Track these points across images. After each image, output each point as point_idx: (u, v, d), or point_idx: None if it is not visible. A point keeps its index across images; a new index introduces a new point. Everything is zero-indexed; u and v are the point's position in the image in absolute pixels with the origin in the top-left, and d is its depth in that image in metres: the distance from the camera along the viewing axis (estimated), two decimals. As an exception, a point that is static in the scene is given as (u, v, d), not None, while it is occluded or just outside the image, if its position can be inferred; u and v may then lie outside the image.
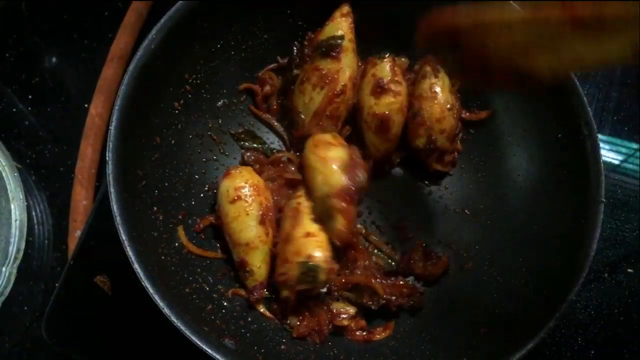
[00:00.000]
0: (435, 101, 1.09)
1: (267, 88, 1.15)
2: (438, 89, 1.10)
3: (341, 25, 1.09)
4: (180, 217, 1.03)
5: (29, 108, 1.29)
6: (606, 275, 1.21)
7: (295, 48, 1.16)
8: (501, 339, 0.94)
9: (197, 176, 1.09)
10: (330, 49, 1.07)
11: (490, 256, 1.08)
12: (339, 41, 1.07)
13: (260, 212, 1.02)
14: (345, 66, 1.08)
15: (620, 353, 1.15)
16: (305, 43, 1.14)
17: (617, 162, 1.32)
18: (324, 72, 1.07)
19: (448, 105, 1.10)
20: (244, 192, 1.01)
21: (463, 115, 1.16)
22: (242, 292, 1.03)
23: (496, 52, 0.83)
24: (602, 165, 0.97)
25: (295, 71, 1.14)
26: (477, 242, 1.11)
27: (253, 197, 1.02)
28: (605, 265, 1.22)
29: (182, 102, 1.05)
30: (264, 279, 1.03)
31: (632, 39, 0.68)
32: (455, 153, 1.17)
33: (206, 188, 1.10)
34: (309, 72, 1.09)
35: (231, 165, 1.08)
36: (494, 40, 0.81)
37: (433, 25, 0.85)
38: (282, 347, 0.98)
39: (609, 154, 1.32)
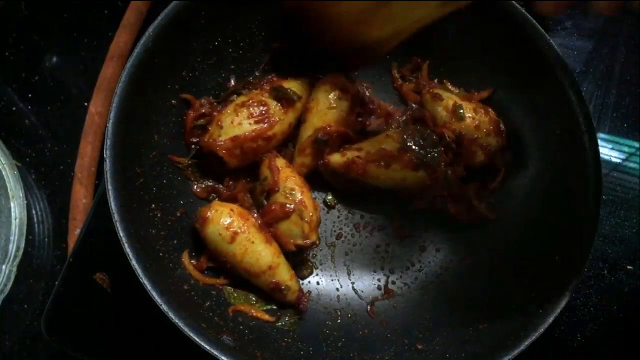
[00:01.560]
0: (459, 116, 1.09)
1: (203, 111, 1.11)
2: (451, 105, 1.10)
3: (317, 93, 1.11)
4: (178, 214, 1.04)
5: (29, 107, 1.29)
6: (606, 272, 1.20)
7: (256, 72, 1.15)
8: (499, 335, 0.94)
9: (195, 173, 1.10)
10: (284, 99, 1.07)
11: (488, 253, 1.09)
12: (295, 98, 1.07)
13: (261, 232, 1.01)
14: (286, 121, 1.08)
15: (620, 350, 1.15)
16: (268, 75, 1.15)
17: (616, 160, 1.32)
18: (268, 110, 1.05)
19: (471, 114, 1.09)
20: (236, 225, 0.99)
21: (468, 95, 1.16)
22: (268, 317, 1.02)
23: (336, 24, 0.96)
24: (600, 159, 0.97)
25: (243, 91, 1.12)
26: (476, 237, 1.12)
27: (246, 224, 1.00)
28: (605, 262, 1.21)
29: (179, 99, 1.05)
30: (298, 284, 1.04)
31: None
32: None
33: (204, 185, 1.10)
34: (254, 99, 1.06)
35: (199, 208, 1.02)
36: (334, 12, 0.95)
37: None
38: (280, 343, 0.98)
39: (608, 152, 1.32)
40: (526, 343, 0.88)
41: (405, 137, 1.05)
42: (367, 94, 1.19)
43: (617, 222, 1.26)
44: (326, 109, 1.09)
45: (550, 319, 0.89)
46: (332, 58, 1.07)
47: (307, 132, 1.10)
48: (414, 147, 1.04)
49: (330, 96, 1.09)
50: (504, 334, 0.93)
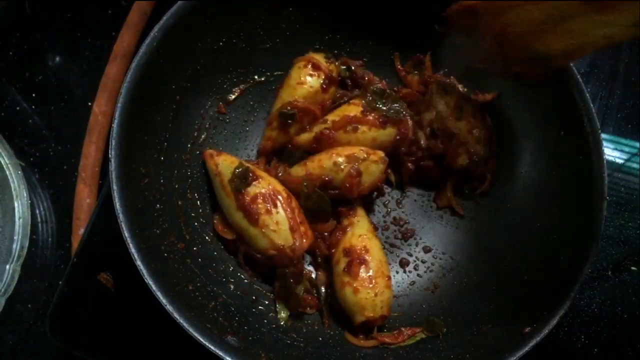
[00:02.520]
0: (458, 116, 1.10)
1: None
2: (454, 102, 1.11)
3: (291, 69, 1.13)
4: (183, 214, 1.04)
5: (33, 106, 1.29)
6: (610, 273, 1.20)
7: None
8: (502, 336, 0.94)
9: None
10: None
11: (492, 253, 1.08)
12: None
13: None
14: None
15: (624, 351, 1.15)
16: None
17: (620, 161, 1.31)
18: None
19: (469, 117, 1.10)
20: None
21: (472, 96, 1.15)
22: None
23: (513, 35, 0.90)
24: (605, 160, 0.97)
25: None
26: (479, 238, 1.12)
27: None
28: (608, 263, 1.21)
29: (184, 99, 1.05)
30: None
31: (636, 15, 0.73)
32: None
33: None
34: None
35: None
36: (512, 23, 0.88)
37: (460, 8, 0.94)
38: (285, 343, 0.98)
39: (612, 153, 1.32)
40: (531, 344, 0.88)
41: (365, 101, 1.08)
42: (360, 69, 1.19)
43: (621, 223, 1.25)
44: (296, 84, 1.10)
45: (555, 321, 0.89)
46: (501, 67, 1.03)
47: (276, 105, 1.12)
48: (376, 106, 1.08)
49: (302, 72, 1.11)
50: (508, 335, 0.93)
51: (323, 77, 1.11)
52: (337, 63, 1.16)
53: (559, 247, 0.98)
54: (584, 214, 0.96)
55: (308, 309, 1.05)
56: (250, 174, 1.01)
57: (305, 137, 1.10)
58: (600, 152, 0.97)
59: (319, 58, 1.12)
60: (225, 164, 1.05)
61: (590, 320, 1.17)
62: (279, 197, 1.01)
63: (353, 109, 1.09)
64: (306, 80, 1.10)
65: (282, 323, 1.02)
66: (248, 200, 0.99)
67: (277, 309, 1.04)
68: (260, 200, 0.99)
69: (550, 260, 0.98)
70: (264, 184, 1.01)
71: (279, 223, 0.99)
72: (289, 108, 1.09)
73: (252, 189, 1.00)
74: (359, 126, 1.07)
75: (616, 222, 1.25)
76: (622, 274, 1.21)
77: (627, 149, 1.32)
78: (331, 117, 1.10)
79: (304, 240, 1.00)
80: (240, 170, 1.01)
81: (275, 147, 1.14)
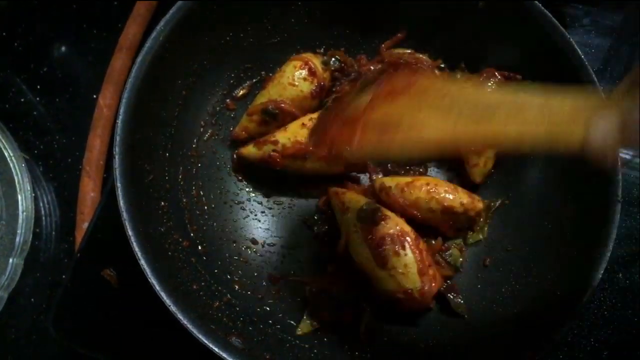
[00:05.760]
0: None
1: None
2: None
3: (286, 66, 1.10)
4: (188, 212, 1.03)
5: (38, 98, 1.28)
6: (620, 275, 1.19)
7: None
8: (513, 340, 0.93)
9: (205, 169, 1.09)
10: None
11: (506, 256, 1.07)
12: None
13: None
14: None
15: (635, 355, 1.14)
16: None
17: (632, 158, 1.29)
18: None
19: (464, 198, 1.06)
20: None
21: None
22: None
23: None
24: (619, 162, 0.95)
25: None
26: (494, 240, 1.10)
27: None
28: (619, 265, 1.20)
29: (190, 94, 1.04)
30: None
31: None
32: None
33: (216, 182, 1.10)
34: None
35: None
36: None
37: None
38: (290, 345, 0.97)
39: (624, 152, 1.30)
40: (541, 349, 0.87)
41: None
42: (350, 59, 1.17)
43: (632, 224, 1.24)
44: (287, 83, 1.08)
45: (566, 325, 0.88)
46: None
47: (261, 98, 1.10)
48: None
49: (296, 73, 1.08)
50: (517, 339, 0.92)
51: (316, 84, 1.08)
52: (328, 62, 1.13)
53: (572, 249, 0.96)
54: (597, 217, 0.94)
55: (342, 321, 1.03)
56: (379, 213, 0.99)
57: (252, 152, 1.07)
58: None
59: (317, 63, 1.09)
60: (353, 201, 1.03)
61: (600, 323, 1.16)
62: (407, 238, 0.98)
63: (305, 134, 1.04)
64: (299, 83, 1.08)
65: (299, 333, 1.01)
66: (376, 240, 0.97)
67: (302, 324, 1.02)
68: (388, 241, 0.96)
69: (562, 262, 0.97)
70: (392, 225, 0.98)
71: (408, 266, 0.96)
72: (272, 107, 1.07)
73: (381, 229, 0.98)
74: (307, 157, 1.04)
75: (627, 222, 1.24)
76: (633, 275, 1.19)
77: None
78: (283, 139, 1.05)
79: (433, 284, 0.97)
80: (368, 208, 0.99)
81: (247, 138, 1.11)
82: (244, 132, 1.11)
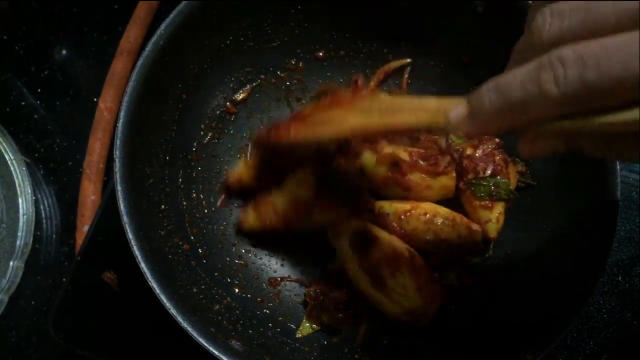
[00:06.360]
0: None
1: None
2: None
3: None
4: (188, 215, 1.03)
5: (38, 101, 1.28)
6: (620, 278, 1.19)
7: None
8: (512, 343, 0.92)
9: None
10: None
11: (505, 259, 1.07)
12: None
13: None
14: None
15: (634, 358, 1.14)
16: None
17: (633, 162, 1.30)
18: None
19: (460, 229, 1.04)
20: None
21: None
22: None
23: None
24: (617, 165, 0.95)
25: None
26: (493, 244, 1.09)
27: None
28: (619, 267, 1.20)
29: (190, 98, 1.04)
30: None
31: None
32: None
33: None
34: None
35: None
36: None
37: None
38: (290, 348, 0.97)
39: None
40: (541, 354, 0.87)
41: (316, 176, 1.01)
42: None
43: (631, 226, 1.24)
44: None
45: (567, 329, 0.88)
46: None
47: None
48: (329, 185, 1.01)
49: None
50: (518, 343, 0.91)
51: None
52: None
53: (570, 252, 0.96)
54: (596, 218, 0.94)
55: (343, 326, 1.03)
56: (369, 237, 0.98)
57: (252, 222, 1.04)
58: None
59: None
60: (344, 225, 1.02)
61: (600, 326, 1.16)
62: (402, 258, 0.97)
63: (302, 190, 1.01)
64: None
65: (298, 335, 1.01)
66: (371, 265, 0.97)
67: (301, 326, 1.02)
68: (383, 264, 0.96)
69: (560, 265, 0.96)
70: (385, 246, 0.98)
71: (406, 286, 0.96)
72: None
73: (374, 253, 0.97)
74: (313, 210, 1.02)
75: (626, 224, 1.23)
76: (632, 278, 1.19)
77: None
78: (279, 200, 1.02)
79: (434, 301, 0.97)
80: (358, 232, 0.99)
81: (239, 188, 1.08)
82: (237, 184, 1.07)
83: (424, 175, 1.03)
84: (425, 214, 1.02)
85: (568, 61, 0.48)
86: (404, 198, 1.05)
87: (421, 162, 1.03)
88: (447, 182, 1.05)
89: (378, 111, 0.76)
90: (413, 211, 1.02)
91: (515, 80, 0.53)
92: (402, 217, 1.02)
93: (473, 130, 0.60)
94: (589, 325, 1.16)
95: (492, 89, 0.55)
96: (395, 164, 1.03)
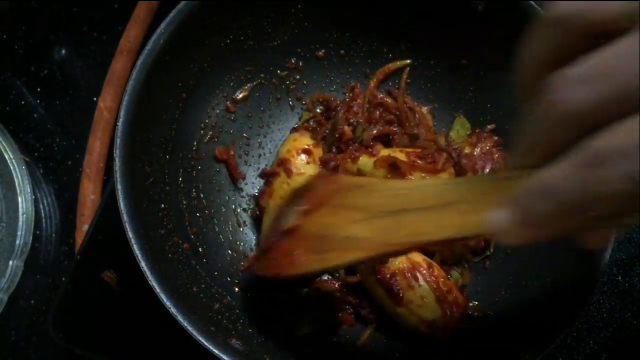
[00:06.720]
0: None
1: None
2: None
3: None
4: (188, 214, 1.03)
5: (38, 100, 1.28)
6: (619, 278, 1.19)
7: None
8: (513, 342, 0.92)
9: (206, 172, 1.09)
10: None
11: (505, 259, 1.07)
12: None
13: None
14: None
15: (634, 358, 1.14)
16: None
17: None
18: None
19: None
20: None
21: None
22: None
23: None
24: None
25: None
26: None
27: None
28: (618, 267, 1.20)
29: (190, 97, 1.04)
30: None
31: None
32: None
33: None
34: None
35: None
36: None
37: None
38: (290, 347, 0.97)
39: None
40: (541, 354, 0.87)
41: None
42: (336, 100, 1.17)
43: (632, 227, 1.24)
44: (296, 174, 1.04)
45: (567, 330, 0.88)
46: None
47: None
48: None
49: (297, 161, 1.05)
50: (517, 344, 0.91)
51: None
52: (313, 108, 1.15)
53: (569, 253, 0.96)
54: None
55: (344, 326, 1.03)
56: None
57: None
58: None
59: (307, 141, 1.07)
60: None
61: (600, 326, 1.16)
62: (419, 269, 0.96)
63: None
64: (304, 169, 1.05)
65: (298, 334, 1.01)
66: (388, 277, 0.95)
67: (302, 324, 1.02)
68: (400, 277, 0.95)
69: (560, 267, 0.96)
70: (401, 258, 0.97)
71: (424, 297, 0.95)
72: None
73: (390, 266, 0.96)
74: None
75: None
76: (632, 278, 1.19)
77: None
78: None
79: (455, 309, 0.96)
80: None
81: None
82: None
83: (423, 174, 1.03)
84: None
85: (608, 160, 0.43)
86: None
87: (419, 162, 1.03)
88: None
89: (386, 215, 0.66)
90: None
91: (561, 182, 0.47)
92: None
93: (529, 238, 0.52)
94: (588, 325, 1.16)
95: (538, 191, 0.49)
96: (393, 165, 1.02)
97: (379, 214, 0.68)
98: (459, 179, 0.60)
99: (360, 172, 1.05)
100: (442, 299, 0.95)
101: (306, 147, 1.07)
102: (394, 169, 1.02)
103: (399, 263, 0.96)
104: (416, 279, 0.95)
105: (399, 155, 1.04)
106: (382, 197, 0.70)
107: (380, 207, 0.68)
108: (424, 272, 0.96)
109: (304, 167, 1.05)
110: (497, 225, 0.53)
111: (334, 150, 1.11)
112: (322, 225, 0.75)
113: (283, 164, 1.04)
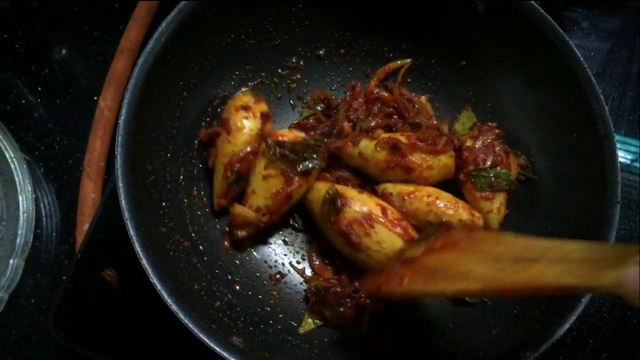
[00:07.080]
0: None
1: None
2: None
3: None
4: (189, 212, 1.03)
5: (39, 100, 1.28)
6: (620, 277, 1.19)
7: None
8: (512, 341, 0.92)
9: (206, 170, 1.09)
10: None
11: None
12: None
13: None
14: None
15: (634, 357, 1.14)
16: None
17: (631, 162, 1.30)
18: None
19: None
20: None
21: None
22: None
23: None
24: (618, 165, 0.95)
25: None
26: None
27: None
28: (618, 267, 1.20)
29: (191, 96, 1.04)
30: None
31: None
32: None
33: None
34: None
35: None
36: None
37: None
38: (290, 345, 0.97)
39: (624, 155, 1.30)
40: (541, 349, 0.87)
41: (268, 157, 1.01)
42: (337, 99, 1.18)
43: (632, 227, 1.24)
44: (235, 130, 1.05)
45: (566, 326, 0.88)
46: None
47: (219, 160, 1.06)
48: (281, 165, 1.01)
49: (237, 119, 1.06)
50: (515, 340, 0.92)
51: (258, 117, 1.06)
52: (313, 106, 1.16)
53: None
54: (597, 219, 0.94)
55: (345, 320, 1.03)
56: (339, 200, 0.98)
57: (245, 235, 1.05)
58: (613, 156, 0.95)
59: (247, 99, 1.07)
60: (316, 190, 1.03)
61: (600, 325, 1.16)
62: (373, 216, 0.98)
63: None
64: (243, 124, 1.05)
65: (301, 331, 1.01)
66: (344, 226, 0.98)
67: (304, 322, 1.02)
68: (356, 226, 0.98)
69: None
70: (356, 207, 0.99)
71: (381, 242, 0.97)
72: (229, 173, 1.03)
73: (346, 215, 0.98)
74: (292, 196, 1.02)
75: (626, 224, 1.24)
76: (632, 277, 1.19)
77: (632, 149, 1.31)
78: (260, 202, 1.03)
79: (407, 238, 0.98)
80: (328, 197, 0.99)
81: (231, 203, 1.06)
82: (223, 200, 1.06)
83: (424, 155, 1.04)
84: (429, 195, 1.03)
85: None
86: (406, 181, 1.06)
87: (419, 143, 1.04)
88: (447, 160, 1.06)
89: (508, 260, 0.68)
90: (417, 192, 1.03)
91: None
92: (406, 197, 1.03)
93: None
94: (589, 324, 1.16)
95: None
96: (395, 146, 1.04)
97: (506, 260, 0.70)
98: (591, 243, 0.62)
99: (361, 155, 1.06)
100: (402, 235, 0.98)
101: (244, 103, 1.07)
102: (395, 150, 1.04)
103: (353, 212, 0.98)
104: (372, 226, 0.97)
105: (401, 137, 1.06)
106: (516, 249, 0.71)
107: (509, 255, 0.70)
108: (380, 217, 0.98)
109: (242, 122, 1.05)
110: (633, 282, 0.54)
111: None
112: (442, 260, 0.78)
113: (223, 124, 1.05)
